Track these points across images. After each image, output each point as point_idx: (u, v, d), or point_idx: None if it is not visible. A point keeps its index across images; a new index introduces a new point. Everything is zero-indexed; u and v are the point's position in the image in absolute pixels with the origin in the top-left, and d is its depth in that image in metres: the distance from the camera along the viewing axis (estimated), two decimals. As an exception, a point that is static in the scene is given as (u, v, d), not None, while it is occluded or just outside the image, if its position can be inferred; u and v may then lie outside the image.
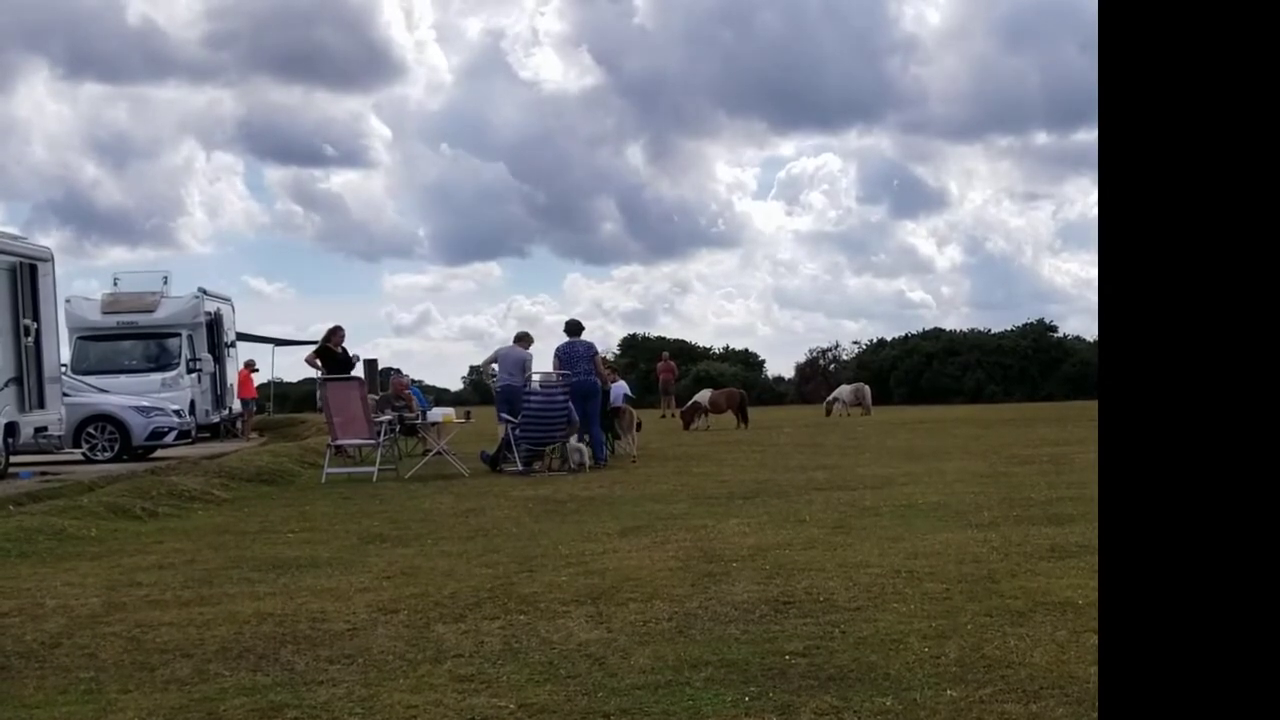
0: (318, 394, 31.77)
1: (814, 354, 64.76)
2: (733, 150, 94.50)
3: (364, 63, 76.66)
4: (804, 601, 7.19)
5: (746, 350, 66.09)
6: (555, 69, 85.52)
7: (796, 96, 76.72)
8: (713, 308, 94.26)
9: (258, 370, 34.22)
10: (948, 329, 61.75)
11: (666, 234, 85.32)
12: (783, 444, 23.50)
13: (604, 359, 21.66)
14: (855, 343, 64.64)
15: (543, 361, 19.79)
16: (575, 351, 19.16)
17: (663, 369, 40.78)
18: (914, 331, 62.38)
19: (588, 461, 18.04)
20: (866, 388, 39.50)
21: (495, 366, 19.98)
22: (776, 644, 6.09)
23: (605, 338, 75.06)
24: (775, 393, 61.66)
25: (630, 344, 63.86)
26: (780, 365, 68.87)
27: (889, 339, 62.39)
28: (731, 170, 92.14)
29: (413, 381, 25.58)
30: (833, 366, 62.07)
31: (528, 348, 19.72)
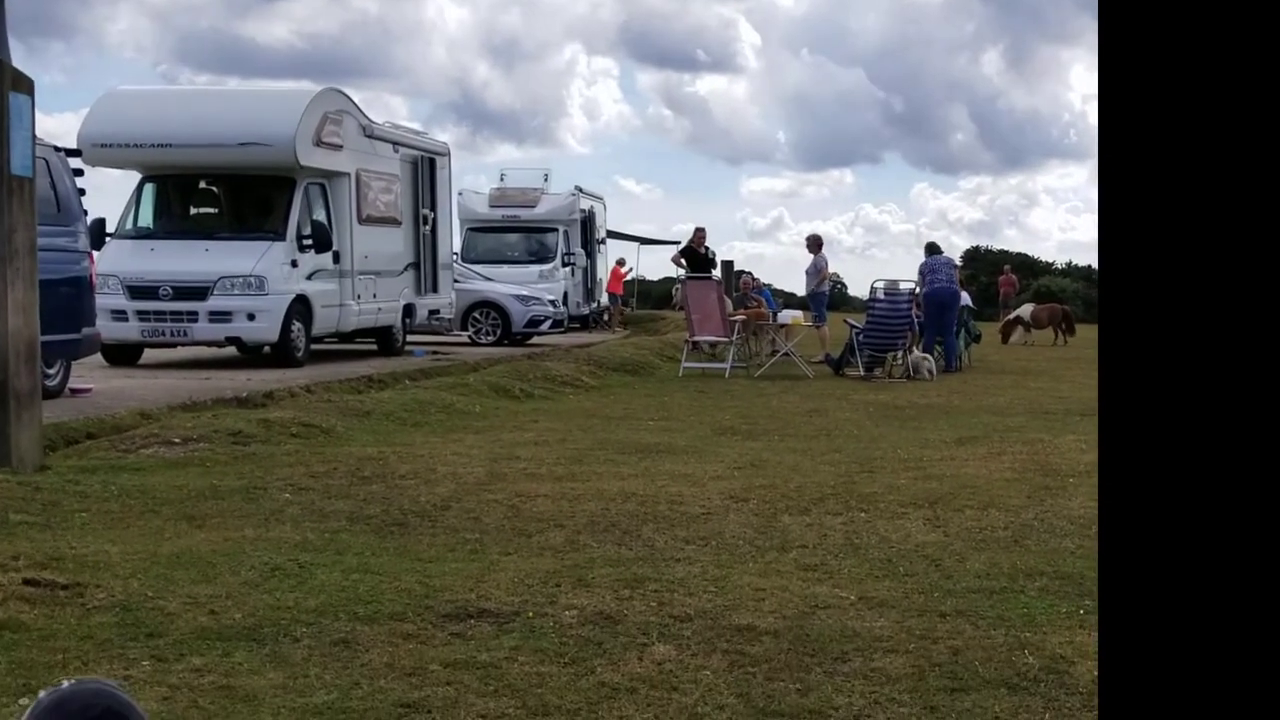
0: (674, 292, 32.31)
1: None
2: (1093, 54, 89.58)
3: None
4: (1140, 521, 6.94)
5: (1090, 266, 63.23)
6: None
7: None
8: (1058, 222, 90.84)
9: (631, 269, 34.99)
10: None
11: (1017, 144, 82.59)
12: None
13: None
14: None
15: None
16: (939, 263, 19.67)
17: (1004, 282, 39.61)
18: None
19: (934, 370, 17.80)
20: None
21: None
22: (1112, 561, 5.91)
23: (948, 250, 73.26)
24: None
25: (973, 256, 62.08)
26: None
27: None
28: (1088, 77, 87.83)
29: (764, 285, 25.68)
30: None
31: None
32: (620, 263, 33.98)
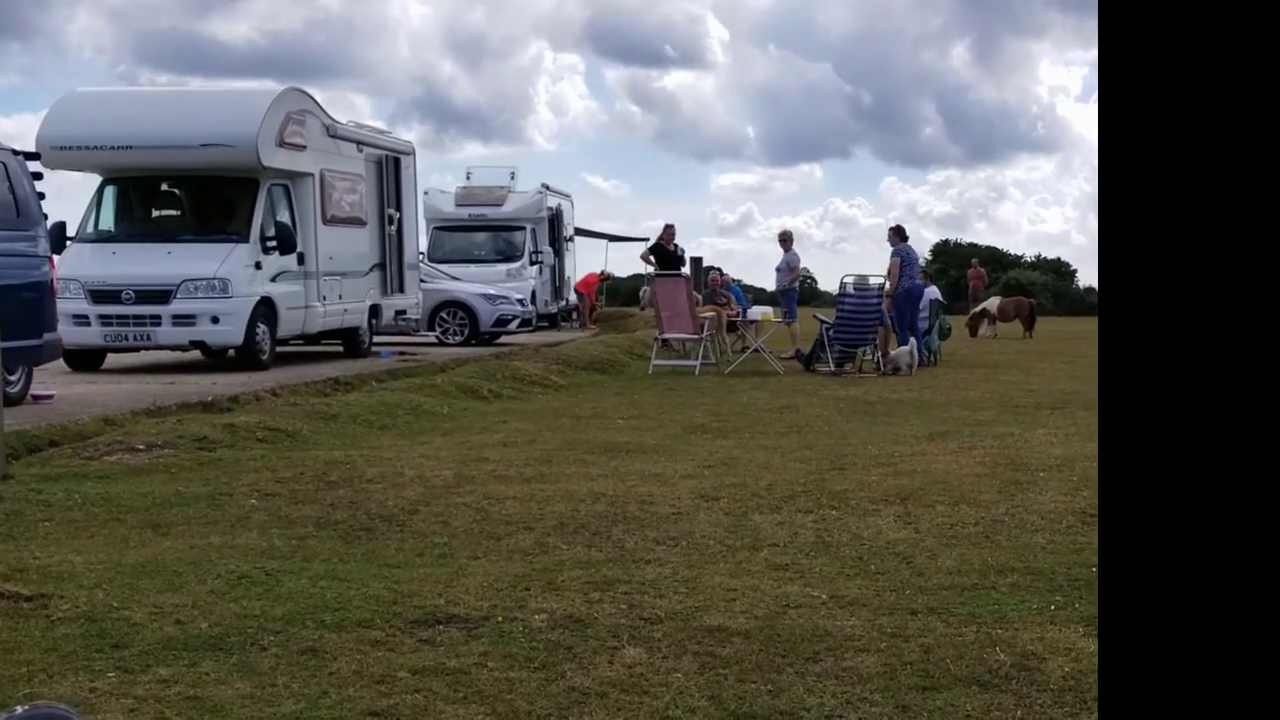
0: (641, 294, 32.28)
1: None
2: (1060, 48, 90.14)
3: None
4: (1110, 515, 6.97)
5: (1059, 259, 63.59)
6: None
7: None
8: (1027, 214, 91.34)
9: (608, 278, 35.41)
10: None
11: (985, 138, 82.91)
12: (1093, 355, 22.67)
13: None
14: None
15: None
16: (913, 255, 19.48)
17: (973, 275, 39.72)
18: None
19: (913, 364, 17.80)
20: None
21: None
22: (1083, 556, 5.94)
23: (918, 243, 73.34)
24: (1086, 303, 59.34)
25: (942, 250, 62.27)
26: (1093, 275, 66.07)
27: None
28: (1056, 70, 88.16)
29: (733, 281, 25.68)
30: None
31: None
32: (603, 275, 34.31)
